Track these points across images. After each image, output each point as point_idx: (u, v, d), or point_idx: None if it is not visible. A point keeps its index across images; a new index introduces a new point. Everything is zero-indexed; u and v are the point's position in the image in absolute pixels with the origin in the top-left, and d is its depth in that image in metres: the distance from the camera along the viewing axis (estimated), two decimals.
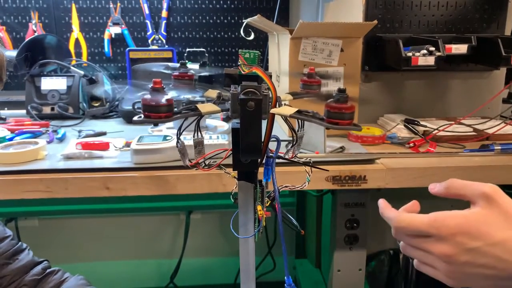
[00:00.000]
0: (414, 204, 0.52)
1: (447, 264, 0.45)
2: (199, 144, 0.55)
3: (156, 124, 0.47)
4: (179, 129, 0.54)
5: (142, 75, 1.54)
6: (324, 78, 0.53)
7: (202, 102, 0.51)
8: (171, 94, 0.46)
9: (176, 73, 0.58)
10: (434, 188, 0.51)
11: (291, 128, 0.55)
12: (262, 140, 0.50)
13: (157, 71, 1.37)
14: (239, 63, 0.51)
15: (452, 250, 0.44)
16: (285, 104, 0.52)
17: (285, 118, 0.51)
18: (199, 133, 0.54)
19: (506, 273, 0.43)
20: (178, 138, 0.54)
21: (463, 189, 0.48)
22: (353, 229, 1.18)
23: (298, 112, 0.48)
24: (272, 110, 0.49)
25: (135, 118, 0.46)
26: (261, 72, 0.50)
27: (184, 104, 0.55)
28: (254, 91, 0.47)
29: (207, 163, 0.56)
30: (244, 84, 0.48)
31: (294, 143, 0.56)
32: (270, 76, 0.50)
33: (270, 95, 0.49)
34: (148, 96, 0.45)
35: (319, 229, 1.67)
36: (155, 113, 0.45)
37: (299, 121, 0.55)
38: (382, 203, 0.53)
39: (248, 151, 0.49)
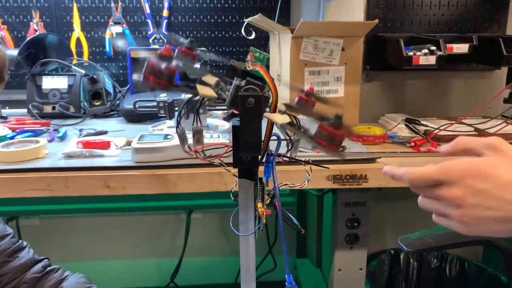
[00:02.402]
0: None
1: (458, 208, 0.46)
2: (198, 133, 0.54)
3: (152, 90, 0.46)
4: (179, 113, 0.54)
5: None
6: (322, 102, 0.54)
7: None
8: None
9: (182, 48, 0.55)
10: (442, 149, 0.53)
11: (287, 134, 0.55)
12: (263, 138, 0.50)
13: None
14: (247, 59, 0.52)
15: (462, 192, 0.45)
16: (279, 111, 0.52)
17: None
18: (198, 121, 0.54)
19: None
20: (178, 123, 0.54)
21: (470, 143, 0.50)
22: (353, 228, 1.18)
23: (290, 124, 0.49)
24: (266, 114, 0.49)
25: (135, 76, 0.45)
26: (264, 71, 0.50)
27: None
28: (254, 88, 0.47)
29: (207, 155, 0.56)
30: (250, 79, 0.48)
31: (290, 147, 0.57)
32: (273, 79, 0.50)
33: (271, 97, 0.49)
34: (154, 59, 0.45)
35: (320, 228, 1.67)
36: (155, 78, 0.44)
37: (295, 123, 0.55)
38: (389, 168, 0.53)
39: (248, 147, 0.49)
